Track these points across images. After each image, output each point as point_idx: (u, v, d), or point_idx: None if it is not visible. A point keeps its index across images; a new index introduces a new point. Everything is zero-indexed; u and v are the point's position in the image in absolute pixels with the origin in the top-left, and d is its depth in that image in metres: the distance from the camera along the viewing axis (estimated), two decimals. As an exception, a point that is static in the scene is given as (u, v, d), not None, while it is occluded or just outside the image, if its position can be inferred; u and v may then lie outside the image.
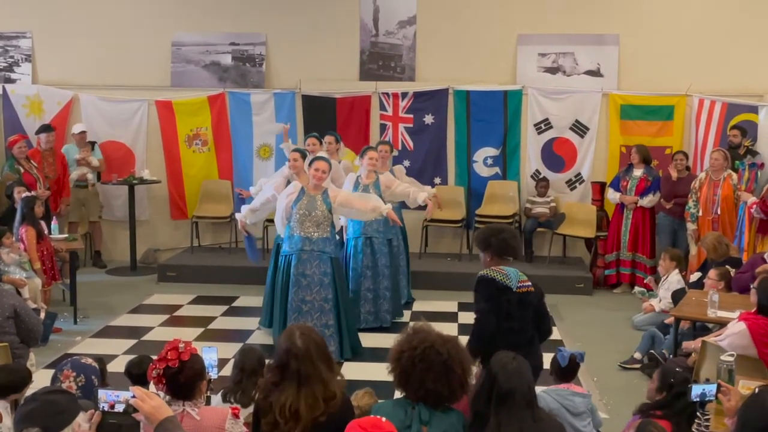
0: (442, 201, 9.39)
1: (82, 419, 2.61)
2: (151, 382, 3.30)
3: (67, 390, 2.69)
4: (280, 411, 3.19)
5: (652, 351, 6.38)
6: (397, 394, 3.44)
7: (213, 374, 4.16)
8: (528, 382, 3.28)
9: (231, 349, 6.22)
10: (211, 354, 4.15)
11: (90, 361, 3.76)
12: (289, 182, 7.01)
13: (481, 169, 9.86)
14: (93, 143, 9.82)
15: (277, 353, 3.38)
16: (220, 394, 4.27)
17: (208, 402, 3.99)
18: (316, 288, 6.50)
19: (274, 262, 7.14)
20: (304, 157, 7.10)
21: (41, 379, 5.00)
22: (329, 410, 3.22)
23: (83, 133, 9.67)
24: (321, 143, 8.08)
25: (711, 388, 3.84)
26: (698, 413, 3.84)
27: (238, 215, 7.12)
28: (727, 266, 6.55)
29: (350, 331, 6.71)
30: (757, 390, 3.11)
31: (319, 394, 3.22)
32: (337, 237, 6.94)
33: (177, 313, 8.05)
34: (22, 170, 8.86)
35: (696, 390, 3.82)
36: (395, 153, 9.18)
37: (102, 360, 4.02)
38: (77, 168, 9.59)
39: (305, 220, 6.48)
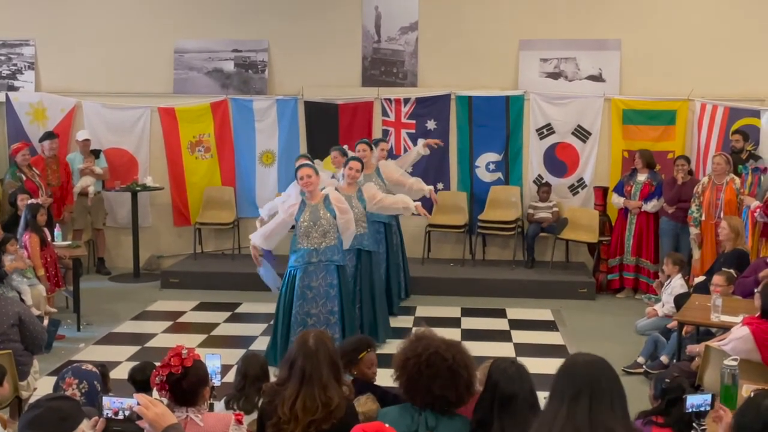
0: (442, 205, 9.43)
1: (86, 426, 2.61)
2: (155, 389, 3.31)
3: (70, 397, 2.69)
4: (282, 407, 3.24)
5: (649, 370, 6.35)
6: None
7: (216, 381, 4.16)
8: (530, 386, 3.29)
9: (234, 356, 6.22)
10: (214, 361, 4.15)
11: (90, 367, 3.76)
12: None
13: (484, 175, 9.86)
14: (99, 151, 9.84)
15: (288, 351, 3.47)
16: (223, 400, 4.27)
17: (211, 409, 3.99)
18: (321, 300, 6.34)
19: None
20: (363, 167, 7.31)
21: (44, 386, 5.01)
22: (332, 418, 3.23)
23: (87, 140, 9.69)
24: (372, 149, 8.00)
25: (706, 398, 3.83)
26: (694, 424, 3.83)
27: (252, 238, 6.66)
28: (731, 270, 6.54)
29: None
30: (752, 394, 3.11)
31: (318, 396, 3.25)
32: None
33: (180, 320, 8.05)
34: (24, 178, 8.88)
35: (690, 401, 3.81)
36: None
37: (104, 366, 4.02)
38: (81, 178, 9.59)
39: (311, 232, 6.33)
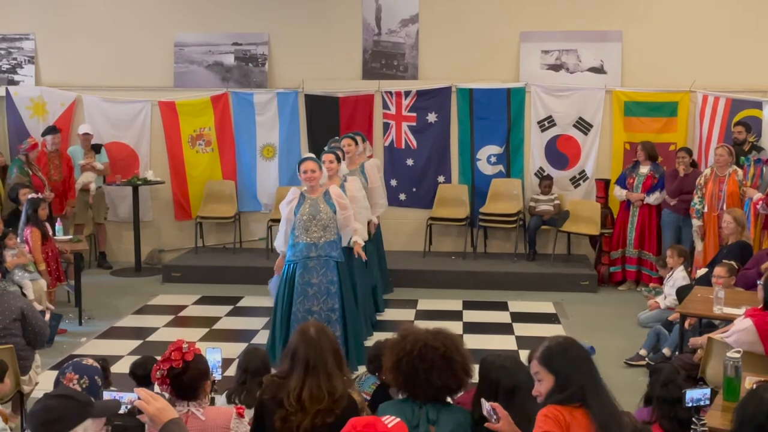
0: (443, 198, 9.50)
1: (90, 425, 2.55)
2: (156, 383, 3.30)
3: (75, 396, 2.59)
4: (288, 399, 3.23)
5: (651, 362, 6.34)
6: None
7: (217, 375, 4.17)
8: (527, 373, 3.31)
9: (236, 349, 6.24)
10: (214, 355, 4.15)
11: (91, 361, 3.74)
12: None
13: (485, 167, 9.84)
14: (99, 146, 9.82)
15: (289, 343, 3.45)
16: (224, 394, 4.27)
17: (212, 403, 3.99)
18: (323, 298, 6.17)
19: None
20: (339, 159, 6.87)
21: (46, 381, 5.01)
22: (336, 408, 3.22)
23: (88, 134, 9.66)
24: (357, 144, 7.82)
25: (705, 392, 3.83)
26: (693, 419, 3.83)
27: (277, 247, 6.47)
28: (732, 262, 6.52)
29: (357, 341, 6.40)
30: (755, 386, 3.11)
31: (324, 385, 3.25)
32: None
33: (182, 314, 8.06)
34: (31, 173, 8.87)
35: (690, 395, 3.80)
36: (366, 151, 8.39)
37: (105, 360, 4.01)
38: (82, 174, 9.58)
39: (310, 226, 6.16)
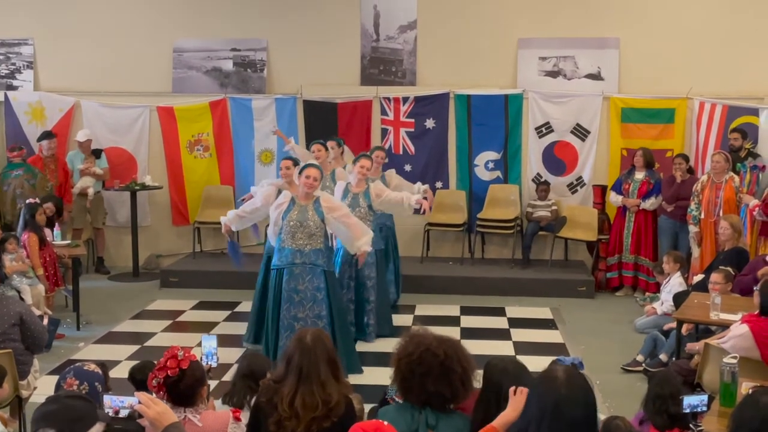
0: (441, 203, 9.56)
1: (98, 428, 2.57)
2: (152, 391, 3.31)
3: (86, 397, 2.62)
4: (281, 404, 3.25)
5: (648, 368, 6.35)
6: None
7: (213, 362, 4.24)
8: (531, 380, 3.31)
9: (233, 354, 6.24)
10: (210, 342, 4.22)
11: (93, 367, 3.74)
12: (280, 192, 6.68)
13: (483, 173, 9.86)
14: (99, 151, 9.83)
15: (286, 349, 3.47)
16: (221, 398, 4.31)
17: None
18: (309, 304, 6.15)
19: (264, 275, 6.90)
20: (296, 164, 6.81)
21: (44, 385, 5.02)
22: (332, 416, 3.24)
23: (88, 141, 9.67)
24: (327, 150, 7.90)
25: (703, 399, 3.85)
26: (691, 425, 3.85)
27: (223, 219, 6.79)
28: (729, 268, 6.55)
29: (347, 348, 6.35)
30: (751, 391, 3.12)
31: (317, 393, 3.26)
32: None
33: (179, 319, 8.05)
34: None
35: (687, 401, 3.82)
36: (386, 160, 8.59)
37: (104, 365, 4.02)
38: (80, 179, 9.59)
39: (297, 232, 6.16)
